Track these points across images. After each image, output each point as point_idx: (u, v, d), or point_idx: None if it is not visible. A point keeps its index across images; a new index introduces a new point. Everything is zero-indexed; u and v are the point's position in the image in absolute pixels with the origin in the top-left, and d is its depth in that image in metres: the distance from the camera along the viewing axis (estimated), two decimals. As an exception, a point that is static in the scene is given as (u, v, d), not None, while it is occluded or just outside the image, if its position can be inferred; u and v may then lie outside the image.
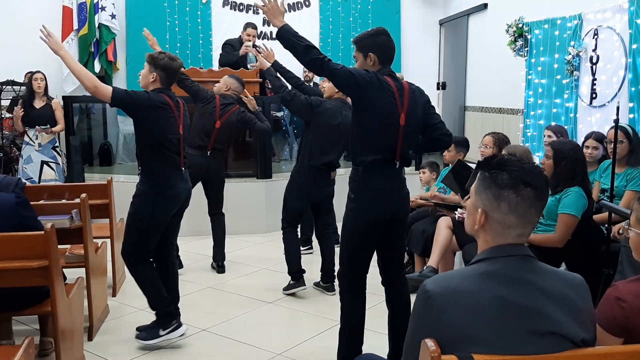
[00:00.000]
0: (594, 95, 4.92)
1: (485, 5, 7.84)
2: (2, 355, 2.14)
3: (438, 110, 9.32)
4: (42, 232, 2.68)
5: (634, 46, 4.30)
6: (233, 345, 3.48)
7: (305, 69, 8.07)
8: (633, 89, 4.31)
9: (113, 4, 8.18)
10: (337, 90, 3.91)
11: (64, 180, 6.26)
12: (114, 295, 4.25)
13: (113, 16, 8.17)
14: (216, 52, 8.09)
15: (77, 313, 3.10)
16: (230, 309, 4.05)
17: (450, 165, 4.78)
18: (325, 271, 4.40)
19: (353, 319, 2.98)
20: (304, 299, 4.27)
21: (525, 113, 5.88)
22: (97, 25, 8.09)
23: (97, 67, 8.17)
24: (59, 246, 2.82)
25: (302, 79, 5.16)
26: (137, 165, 3.45)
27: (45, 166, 6.17)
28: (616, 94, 4.58)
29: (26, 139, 6.16)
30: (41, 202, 3.80)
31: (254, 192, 6.22)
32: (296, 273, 4.32)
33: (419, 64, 9.29)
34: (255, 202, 6.20)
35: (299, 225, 4.65)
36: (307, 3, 9.07)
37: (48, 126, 6.09)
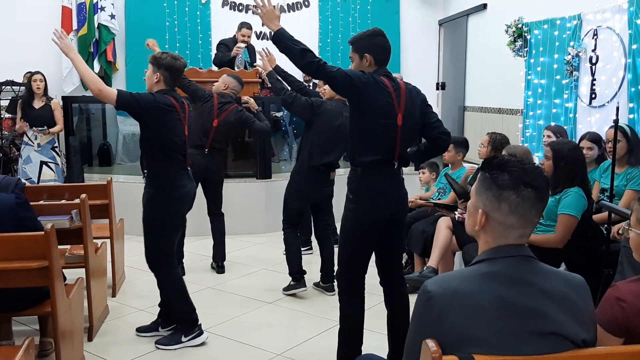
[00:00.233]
0: (593, 96, 4.92)
1: (484, 6, 7.84)
2: (2, 355, 2.14)
3: (437, 111, 9.36)
4: (42, 232, 2.67)
5: (634, 46, 4.30)
6: (233, 346, 3.48)
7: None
8: (633, 89, 4.30)
9: (112, 4, 8.18)
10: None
11: (63, 180, 6.26)
12: (113, 295, 4.25)
13: (112, 16, 8.17)
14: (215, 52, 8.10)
15: (77, 313, 3.10)
16: (230, 309, 4.05)
17: (449, 165, 4.79)
18: (324, 271, 4.40)
19: (352, 319, 2.98)
20: (304, 299, 4.27)
21: (524, 113, 5.88)
22: (96, 25, 8.08)
23: (97, 67, 8.17)
24: (59, 246, 2.82)
25: (302, 79, 5.17)
26: (138, 166, 3.46)
27: (44, 166, 6.17)
28: (616, 94, 4.58)
29: (25, 139, 6.16)
30: (41, 202, 3.80)
31: (254, 193, 6.22)
32: (297, 274, 4.31)
33: (418, 64, 9.30)
34: (255, 203, 6.20)
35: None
36: (306, 3, 9.08)
37: (45, 127, 6.09)
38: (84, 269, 3.58)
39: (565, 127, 4.86)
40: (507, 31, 5.86)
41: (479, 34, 8.10)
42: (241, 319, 3.90)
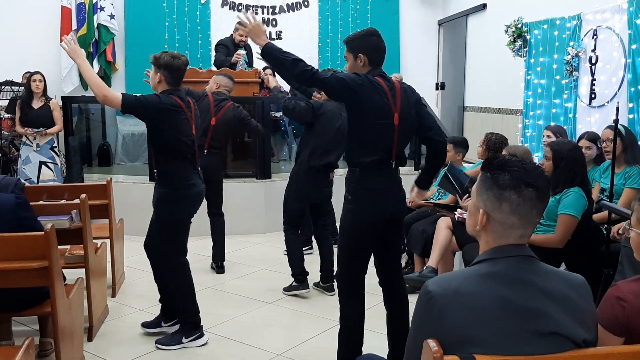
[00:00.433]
0: (593, 96, 4.92)
1: (484, 6, 7.85)
2: (2, 355, 2.14)
3: (437, 111, 9.38)
4: (42, 232, 2.67)
5: (633, 46, 4.30)
6: (233, 346, 3.48)
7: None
8: (632, 89, 4.31)
9: (112, 4, 8.18)
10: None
11: (62, 180, 6.25)
12: (113, 295, 4.25)
13: (112, 16, 8.17)
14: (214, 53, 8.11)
15: (77, 314, 3.10)
16: (230, 309, 4.05)
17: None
18: (324, 272, 4.40)
19: (352, 320, 2.98)
20: (304, 299, 4.26)
21: (524, 113, 5.88)
22: (96, 25, 8.08)
23: (96, 67, 8.16)
24: (59, 247, 2.82)
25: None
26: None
27: (43, 166, 6.17)
28: (615, 94, 4.59)
29: (24, 139, 6.16)
30: (41, 202, 3.80)
31: (253, 193, 6.21)
32: (300, 275, 4.32)
33: (417, 64, 9.31)
34: (255, 203, 6.19)
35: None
36: (306, 3, 9.08)
37: (42, 129, 6.09)
38: (83, 269, 3.57)
39: (564, 127, 4.87)
40: (506, 31, 5.86)
41: (478, 34, 8.11)
42: (241, 319, 3.90)
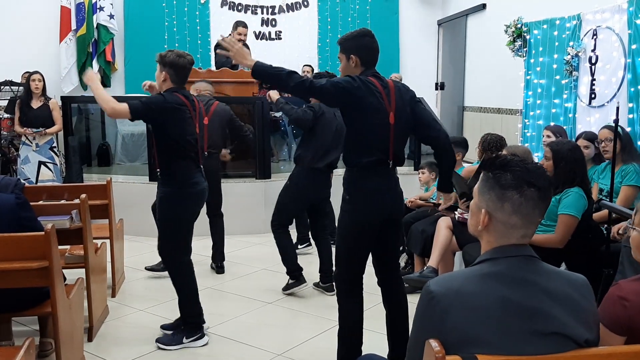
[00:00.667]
0: (593, 96, 4.92)
1: (483, 6, 7.85)
2: (3, 356, 2.14)
3: (436, 111, 9.37)
4: (43, 232, 2.67)
5: (633, 46, 4.31)
6: (233, 346, 3.47)
7: (304, 68, 8.08)
8: (632, 89, 4.31)
9: (111, 4, 8.18)
10: None
11: (62, 180, 6.25)
12: (113, 296, 4.24)
13: (111, 16, 8.17)
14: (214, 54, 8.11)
15: (77, 314, 3.09)
16: (230, 309, 4.04)
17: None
18: (323, 272, 4.40)
19: (351, 320, 2.98)
20: (304, 299, 4.26)
21: (524, 113, 5.88)
22: (95, 25, 8.09)
23: (96, 67, 8.16)
24: (59, 247, 2.81)
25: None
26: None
27: (42, 166, 6.16)
28: (615, 94, 4.59)
29: (23, 139, 6.15)
30: (40, 202, 3.79)
31: (253, 193, 6.21)
32: (295, 272, 4.31)
33: (417, 65, 9.31)
34: (254, 203, 6.19)
35: (295, 224, 4.65)
36: (305, 3, 9.08)
37: (41, 129, 6.08)
38: (83, 269, 3.57)
39: (564, 127, 4.87)
40: (506, 31, 5.86)
41: (478, 34, 8.11)
42: (241, 319, 3.89)
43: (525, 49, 5.74)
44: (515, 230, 1.49)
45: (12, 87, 6.88)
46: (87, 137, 7.92)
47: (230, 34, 6.94)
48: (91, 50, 8.09)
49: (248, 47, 7.02)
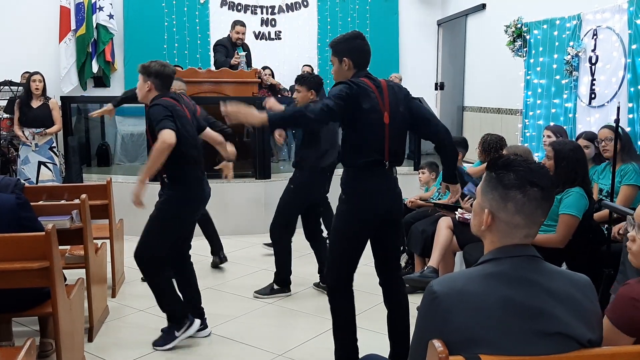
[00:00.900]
0: (593, 96, 4.92)
1: (483, 6, 7.85)
2: (3, 356, 2.14)
3: (436, 111, 9.37)
4: (43, 233, 2.66)
5: (633, 46, 4.31)
6: (233, 346, 3.47)
7: (304, 68, 8.08)
8: (632, 89, 4.31)
9: (111, 4, 8.17)
10: (310, 97, 4.03)
11: (61, 180, 6.24)
12: (113, 296, 4.24)
13: (111, 16, 8.16)
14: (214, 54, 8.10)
15: (78, 314, 3.09)
16: (230, 309, 4.04)
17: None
18: (322, 272, 4.40)
19: (344, 318, 2.98)
20: (303, 300, 4.26)
21: (524, 113, 5.89)
22: (94, 25, 8.08)
23: (95, 67, 8.16)
24: (59, 247, 2.81)
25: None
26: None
27: (42, 167, 6.16)
28: (615, 94, 4.59)
29: (23, 139, 6.14)
30: (41, 202, 3.79)
31: (253, 193, 6.21)
32: (286, 279, 4.35)
33: (417, 65, 9.31)
34: (254, 203, 6.19)
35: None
36: (305, 3, 9.08)
37: (42, 129, 6.08)
38: (84, 270, 3.56)
39: (564, 127, 4.87)
40: (506, 31, 5.87)
41: (478, 34, 8.11)
42: (241, 319, 3.89)
43: (525, 49, 5.74)
44: (519, 230, 1.49)
45: (11, 87, 6.88)
46: (87, 137, 7.92)
47: (229, 34, 6.95)
48: (90, 50, 8.08)
49: (247, 47, 7.03)
